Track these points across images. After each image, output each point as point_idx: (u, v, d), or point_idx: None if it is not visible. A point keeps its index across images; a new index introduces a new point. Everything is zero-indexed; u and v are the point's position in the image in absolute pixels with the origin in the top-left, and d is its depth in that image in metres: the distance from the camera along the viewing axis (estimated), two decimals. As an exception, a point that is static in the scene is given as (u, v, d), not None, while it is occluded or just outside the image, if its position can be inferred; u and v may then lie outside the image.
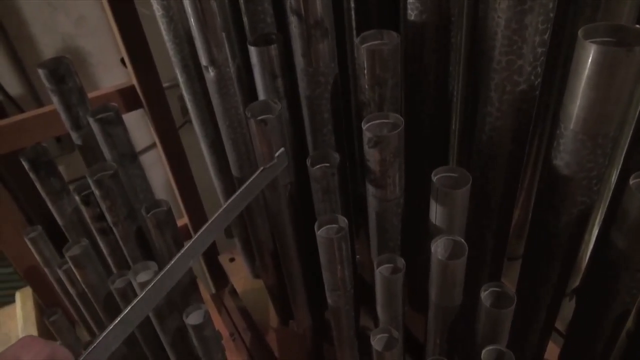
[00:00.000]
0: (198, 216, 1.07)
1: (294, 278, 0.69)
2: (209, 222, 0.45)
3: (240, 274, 1.00)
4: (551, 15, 0.41)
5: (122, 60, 0.89)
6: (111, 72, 1.50)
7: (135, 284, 0.55)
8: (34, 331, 1.02)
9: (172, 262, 0.42)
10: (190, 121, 0.86)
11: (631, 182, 0.41)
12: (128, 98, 0.89)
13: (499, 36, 0.42)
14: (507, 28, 0.41)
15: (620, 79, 0.37)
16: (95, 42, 1.45)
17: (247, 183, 0.48)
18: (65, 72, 0.62)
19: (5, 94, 1.38)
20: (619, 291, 0.46)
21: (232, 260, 1.04)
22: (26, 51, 1.37)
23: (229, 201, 0.47)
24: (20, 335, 1.01)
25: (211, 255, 1.10)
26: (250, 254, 0.92)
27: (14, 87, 1.40)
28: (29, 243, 0.77)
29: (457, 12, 0.50)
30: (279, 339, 0.88)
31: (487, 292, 0.47)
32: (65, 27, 1.40)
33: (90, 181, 0.58)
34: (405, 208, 0.54)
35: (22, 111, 1.39)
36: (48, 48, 1.40)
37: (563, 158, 0.43)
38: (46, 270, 0.80)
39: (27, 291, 1.09)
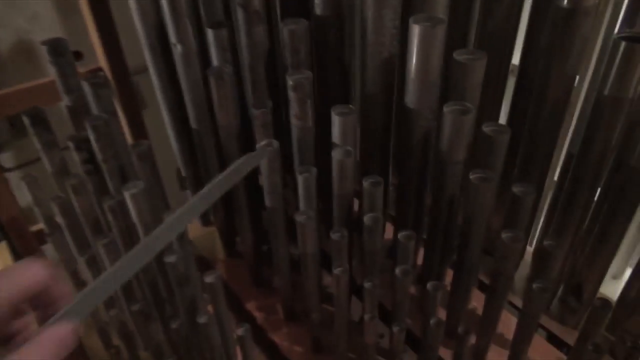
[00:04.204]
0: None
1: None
2: (185, 206, 0.46)
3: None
4: (398, 10, 0.69)
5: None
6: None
7: (127, 195, 0.76)
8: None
9: (136, 249, 0.43)
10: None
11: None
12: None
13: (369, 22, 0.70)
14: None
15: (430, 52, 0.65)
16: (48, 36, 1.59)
17: (231, 168, 0.51)
18: (63, 49, 0.83)
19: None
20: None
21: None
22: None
23: (209, 185, 0.48)
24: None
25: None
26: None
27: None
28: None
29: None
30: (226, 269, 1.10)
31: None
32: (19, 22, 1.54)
33: (88, 126, 0.79)
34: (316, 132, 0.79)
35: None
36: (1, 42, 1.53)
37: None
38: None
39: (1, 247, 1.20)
